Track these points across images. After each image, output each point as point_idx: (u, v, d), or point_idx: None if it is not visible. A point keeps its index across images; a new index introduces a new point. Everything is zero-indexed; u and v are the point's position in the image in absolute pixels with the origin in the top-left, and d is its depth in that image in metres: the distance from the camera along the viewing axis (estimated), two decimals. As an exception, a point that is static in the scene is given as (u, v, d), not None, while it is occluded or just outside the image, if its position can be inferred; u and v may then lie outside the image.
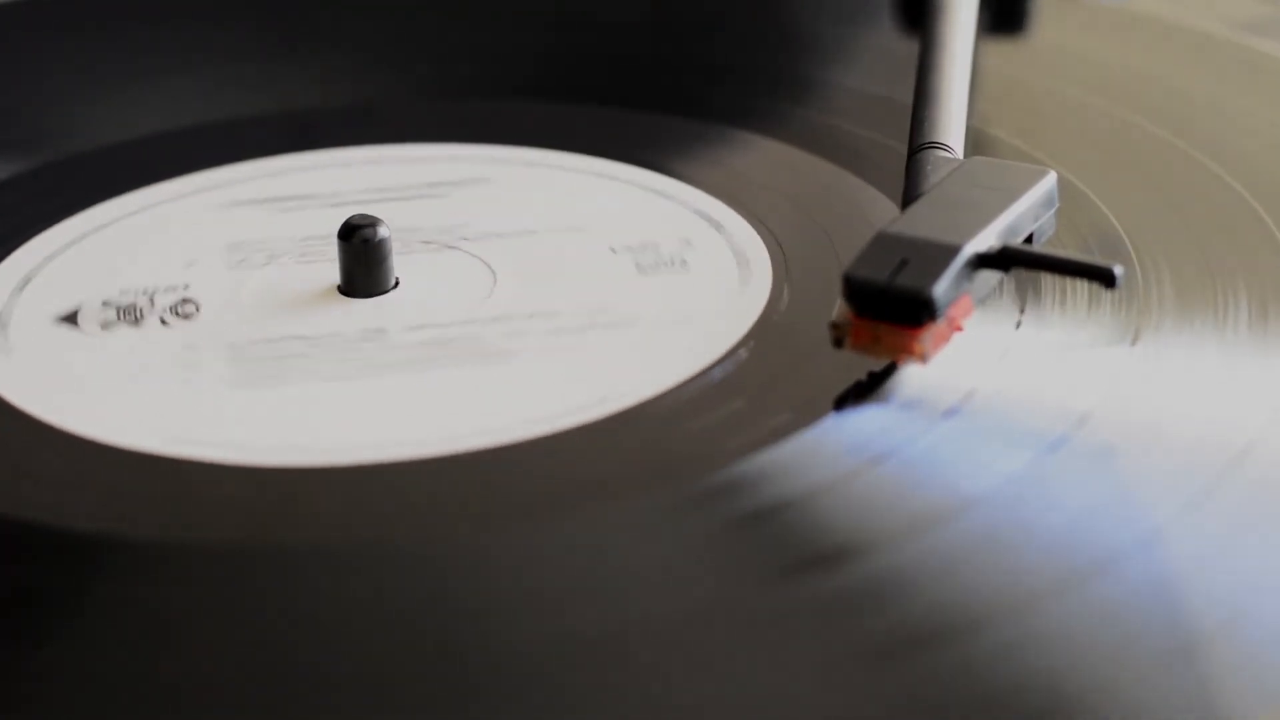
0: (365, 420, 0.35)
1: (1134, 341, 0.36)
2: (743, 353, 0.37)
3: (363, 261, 0.39)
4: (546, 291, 0.39)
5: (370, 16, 0.53)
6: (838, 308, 0.35)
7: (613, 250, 0.41)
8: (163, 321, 0.39)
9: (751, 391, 0.35)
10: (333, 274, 0.40)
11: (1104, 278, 0.34)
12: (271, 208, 0.43)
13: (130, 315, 0.39)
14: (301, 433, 0.35)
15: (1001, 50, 0.49)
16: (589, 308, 0.39)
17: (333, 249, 0.40)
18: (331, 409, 0.36)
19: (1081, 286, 0.37)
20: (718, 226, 0.41)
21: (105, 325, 0.39)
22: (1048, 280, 0.38)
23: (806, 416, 0.34)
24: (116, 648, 0.30)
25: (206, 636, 0.30)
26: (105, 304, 0.39)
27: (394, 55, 0.51)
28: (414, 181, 0.44)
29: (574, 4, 0.54)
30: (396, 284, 0.40)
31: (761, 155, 0.45)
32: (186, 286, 0.40)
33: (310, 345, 0.38)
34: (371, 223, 0.39)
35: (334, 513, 0.33)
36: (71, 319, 0.39)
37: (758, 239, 0.41)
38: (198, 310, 0.39)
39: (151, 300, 0.40)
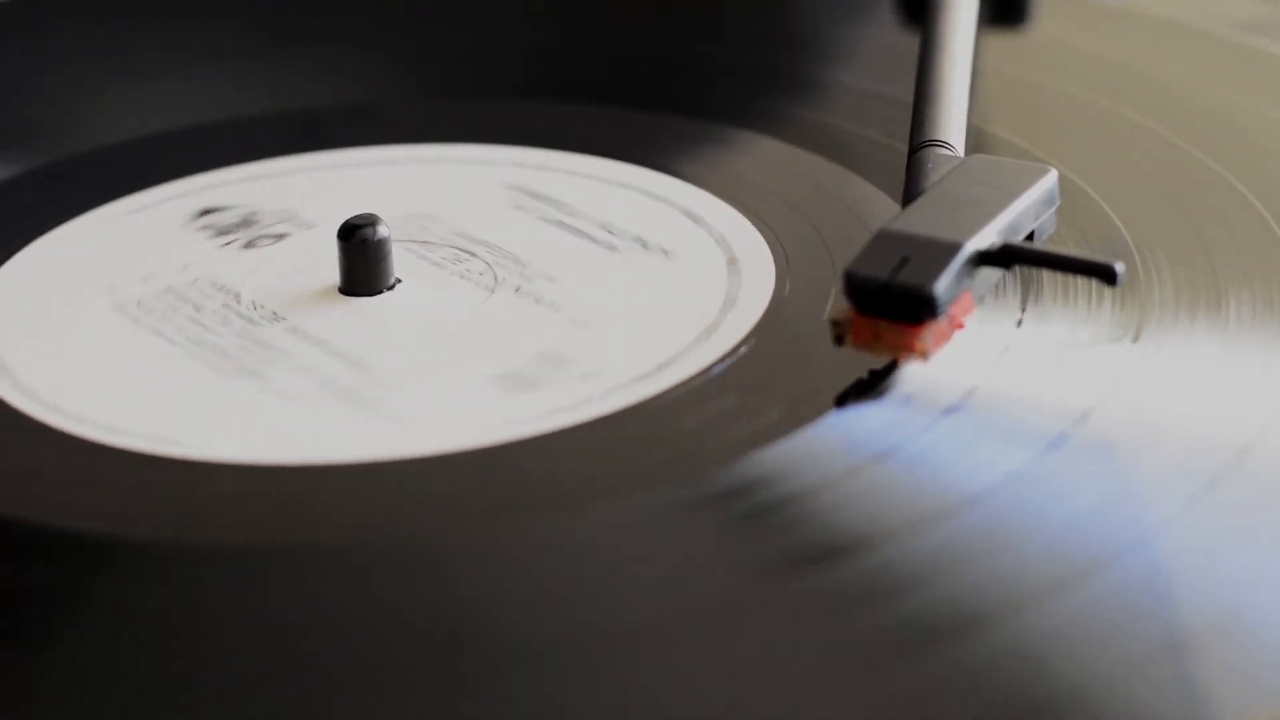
0: (370, 418, 0.35)
1: (1135, 339, 0.36)
2: (744, 350, 0.37)
3: (362, 261, 0.39)
4: (548, 285, 0.39)
5: (370, 17, 0.53)
6: (834, 304, 0.35)
7: (609, 247, 0.41)
8: (169, 321, 0.39)
9: (753, 389, 0.35)
10: (329, 275, 0.40)
11: (1105, 275, 0.34)
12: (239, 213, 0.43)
13: (131, 312, 0.39)
14: (302, 432, 0.35)
15: (1002, 48, 0.49)
16: (588, 303, 0.39)
17: (319, 250, 0.40)
18: (338, 407, 0.36)
19: (1083, 284, 0.37)
20: (717, 226, 0.41)
21: (113, 321, 0.39)
22: (1049, 278, 0.38)
23: (808, 414, 0.34)
24: (117, 648, 0.30)
25: (207, 637, 0.30)
26: (109, 305, 0.39)
27: (393, 55, 0.51)
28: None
29: (574, 4, 0.54)
30: (396, 283, 0.40)
31: (761, 154, 0.45)
32: (190, 284, 0.40)
33: (315, 344, 0.38)
34: (371, 222, 0.39)
35: (334, 513, 0.33)
36: (77, 321, 0.39)
37: (758, 237, 0.41)
38: (199, 311, 0.39)
39: (152, 302, 0.40)
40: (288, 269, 0.41)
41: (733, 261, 0.40)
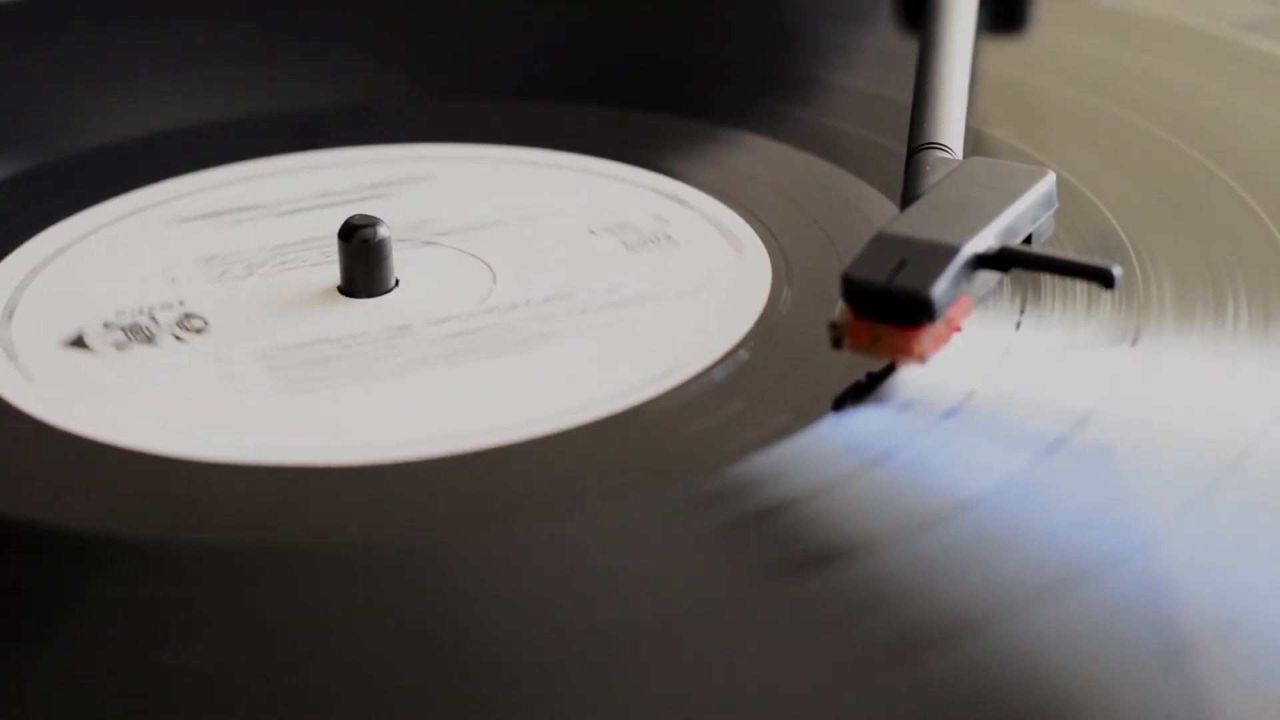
0: (390, 418, 0.35)
1: (1134, 342, 0.36)
2: (742, 353, 0.37)
3: (364, 261, 0.39)
4: (549, 280, 0.40)
5: (370, 17, 0.53)
6: (839, 308, 0.35)
7: (599, 240, 0.41)
8: (176, 337, 0.38)
9: (751, 392, 0.35)
10: (320, 277, 0.40)
11: (1102, 278, 0.34)
12: (220, 221, 0.43)
13: (140, 334, 0.39)
14: (302, 432, 0.35)
15: (1001, 50, 0.49)
16: (588, 301, 0.39)
17: (310, 254, 0.40)
18: (359, 407, 0.36)
19: (1081, 287, 0.37)
20: (716, 226, 0.41)
21: (119, 346, 0.38)
22: (1048, 281, 0.38)
23: (806, 417, 0.34)
24: (116, 648, 0.30)
25: (206, 636, 0.30)
26: (107, 325, 0.39)
27: (392, 55, 0.51)
28: (355, 184, 0.44)
29: (574, 4, 0.54)
30: (396, 284, 0.40)
31: (761, 155, 0.45)
32: (181, 302, 0.40)
33: (342, 347, 0.38)
34: (371, 223, 0.39)
35: (334, 513, 0.33)
36: (79, 343, 0.38)
37: (757, 239, 0.41)
38: (206, 324, 0.39)
39: (154, 318, 0.39)
40: (274, 277, 0.41)
41: (730, 264, 0.40)
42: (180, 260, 0.41)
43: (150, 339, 0.38)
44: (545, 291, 0.39)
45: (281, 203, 0.43)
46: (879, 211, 0.41)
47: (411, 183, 0.44)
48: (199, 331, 0.39)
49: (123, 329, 0.39)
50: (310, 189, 0.44)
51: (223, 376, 0.37)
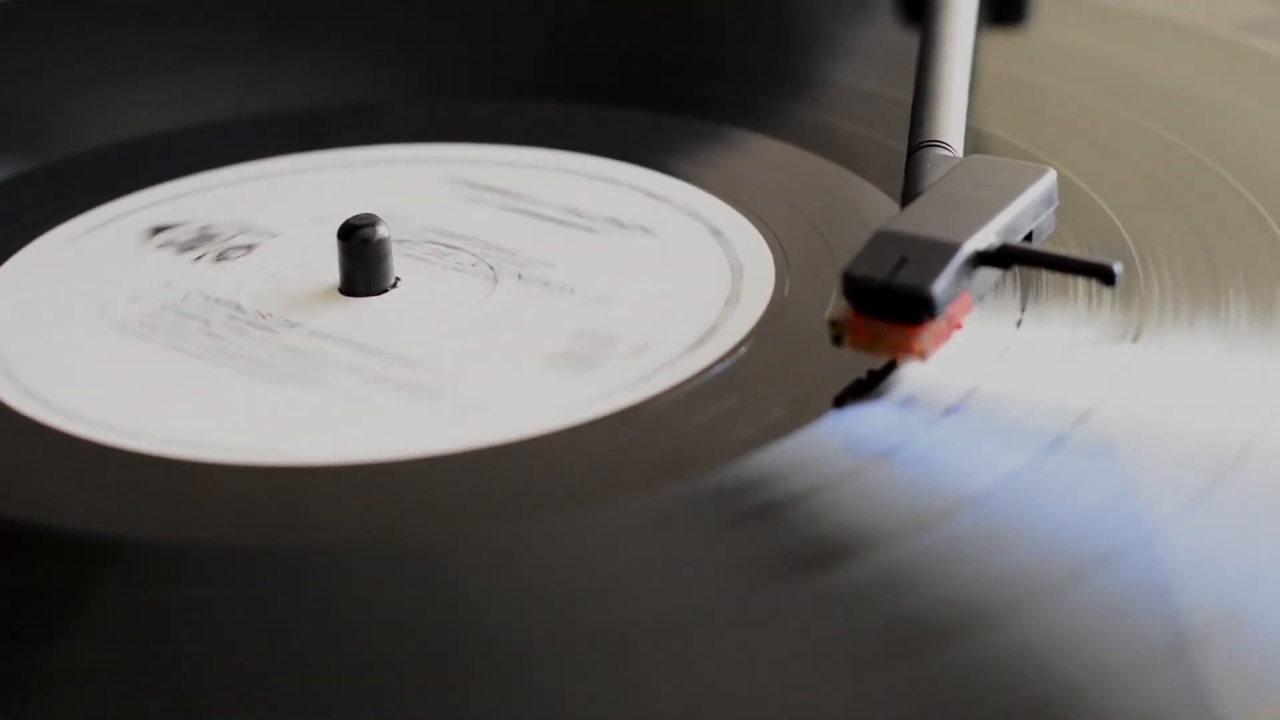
0: (390, 417, 0.35)
1: (1135, 339, 0.36)
2: (743, 351, 0.37)
3: (362, 261, 0.39)
4: (550, 280, 0.40)
5: (370, 17, 0.53)
6: (834, 304, 0.35)
7: (601, 243, 0.41)
8: (183, 331, 0.38)
9: (752, 389, 0.35)
10: (316, 277, 0.40)
11: (1103, 275, 0.34)
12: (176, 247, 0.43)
13: (148, 327, 0.39)
14: (305, 432, 0.35)
15: (1001, 48, 0.49)
16: (588, 300, 0.39)
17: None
18: (359, 407, 0.36)
19: (1082, 284, 0.37)
20: (716, 226, 0.41)
21: (132, 332, 0.38)
22: (1049, 278, 0.38)
23: (807, 415, 0.34)
24: (116, 648, 0.30)
25: (207, 636, 0.30)
26: (111, 322, 0.39)
27: (391, 56, 0.51)
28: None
29: (574, 4, 0.54)
30: (396, 283, 0.40)
31: (761, 154, 0.45)
32: (185, 297, 0.40)
33: (333, 344, 0.38)
34: (371, 222, 0.39)
35: (336, 513, 0.33)
36: (78, 323, 0.39)
37: (758, 237, 0.41)
38: (208, 322, 0.39)
39: (157, 313, 0.39)
40: (278, 273, 0.41)
41: (731, 262, 0.40)
42: (162, 275, 0.41)
43: (155, 330, 0.38)
44: (544, 290, 0.39)
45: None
46: (879, 209, 0.41)
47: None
48: (207, 323, 0.39)
49: (133, 322, 0.39)
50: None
51: (223, 377, 0.37)
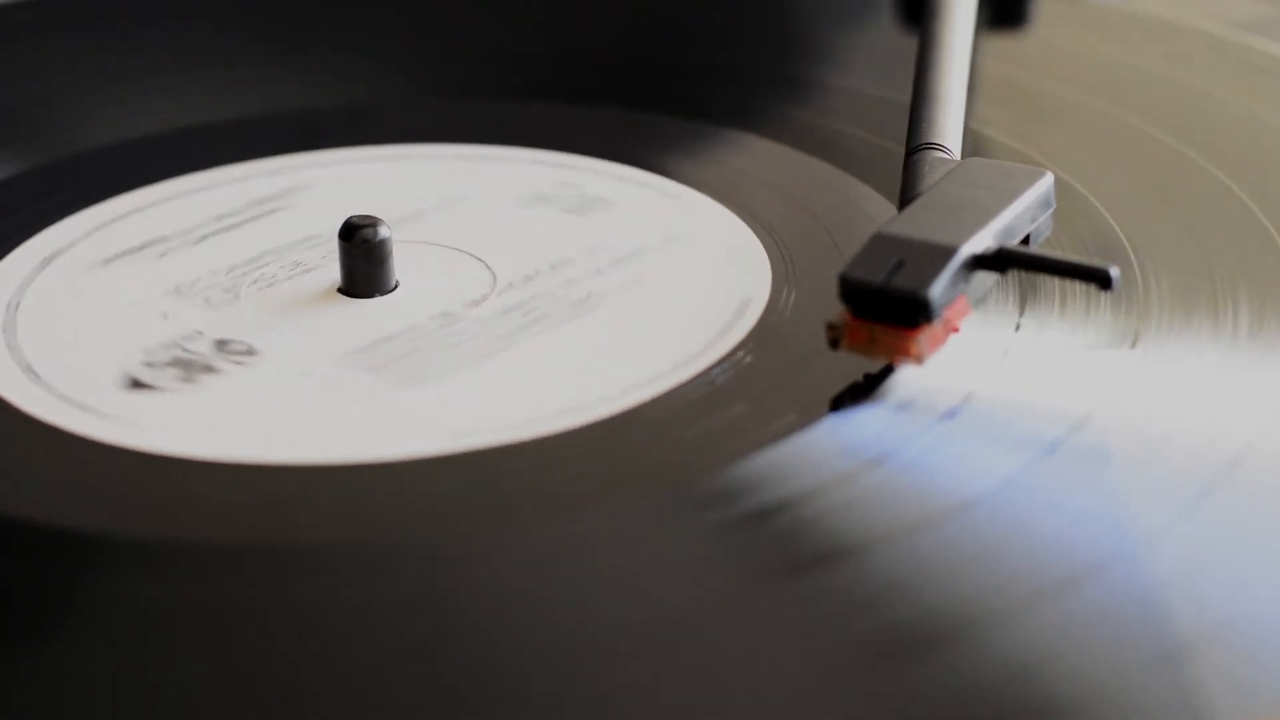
0: (389, 417, 0.35)
1: (1133, 344, 0.36)
2: (741, 354, 0.37)
3: (364, 262, 0.39)
4: (549, 278, 0.40)
5: (369, 17, 0.53)
6: (830, 308, 0.35)
7: (598, 248, 0.41)
8: (237, 363, 0.37)
9: (750, 393, 0.35)
10: (313, 283, 0.40)
11: (1100, 279, 0.34)
12: (144, 255, 0.42)
13: (199, 367, 0.38)
14: (301, 432, 0.35)
15: (1000, 51, 0.49)
16: (587, 302, 0.39)
17: (282, 267, 0.40)
18: (359, 407, 0.36)
19: (1081, 289, 0.37)
20: (715, 227, 0.42)
21: (186, 379, 0.37)
22: (1047, 282, 0.38)
23: (805, 418, 0.34)
24: (115, 647, 0.30)
25: (205, 636, 0.30)
26: (151, 365, 0.37)
27: (391, 56, 0.51)
28: (241, 203, 0.44)
29: (573, 5, 0.54)
30: (397, 285, 0.40)
31: (760, 156, 0.45)
32: (200, 333, 0.38)
33: (331, 344, 0.38)
34: (372, 223, 0.39)
35: (330, 513, 0.33)
36: (138, 384, 0.37)
37: (756, 240, 0.41)
38: (251, 349, 0.38)
39: (187, 351, 0.38)
40: (278, 273, 0.41)
41: (729, 265, 0.40)
42: (151, 299, 0.40)
43: (210, 369, 0.37)
44: (544, 288, 0.39)
45: (185, 231, 0.43)
46: (877, 212, 0.41)
47: (296, 193, 0.44)
48: (253, 354, 0.38)
49: (176, 364, 0.38)
50: (204, 213, 0.43)
51: (221, 375, 0.37)
